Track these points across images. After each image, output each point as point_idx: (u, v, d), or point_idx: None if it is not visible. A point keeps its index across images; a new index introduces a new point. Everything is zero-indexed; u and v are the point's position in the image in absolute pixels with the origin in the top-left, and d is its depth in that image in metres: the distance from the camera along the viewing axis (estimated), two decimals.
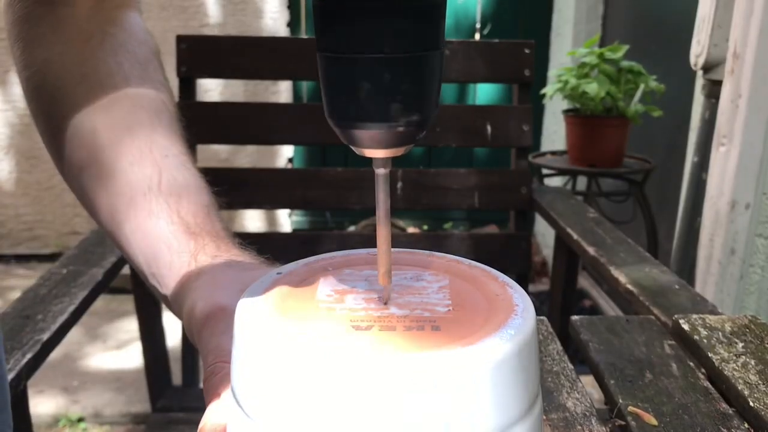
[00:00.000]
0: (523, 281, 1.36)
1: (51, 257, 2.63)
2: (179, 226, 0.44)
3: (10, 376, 0.61)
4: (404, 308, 0.29)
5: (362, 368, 0.24)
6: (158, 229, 0.44)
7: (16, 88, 2.49)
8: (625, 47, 1.67)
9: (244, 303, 0.29)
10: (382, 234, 0.30)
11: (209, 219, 0.46)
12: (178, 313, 0.43)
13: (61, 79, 0.48)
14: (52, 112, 0.48)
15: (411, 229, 2.76)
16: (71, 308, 0.77)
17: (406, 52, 0.26)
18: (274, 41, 1.65)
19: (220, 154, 2.66)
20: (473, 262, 0.34)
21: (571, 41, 2.42)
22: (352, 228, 2.69)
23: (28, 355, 0.65)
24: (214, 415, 0.32)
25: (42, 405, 1.69)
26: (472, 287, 0.32)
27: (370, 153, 0.29)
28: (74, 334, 1.68)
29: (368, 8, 0.26)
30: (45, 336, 0.69)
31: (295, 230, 2.84)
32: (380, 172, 0.29)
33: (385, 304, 0.30)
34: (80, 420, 1.67)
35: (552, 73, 2.20)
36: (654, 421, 0.51)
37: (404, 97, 0.27)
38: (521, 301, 0.30)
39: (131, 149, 0.47)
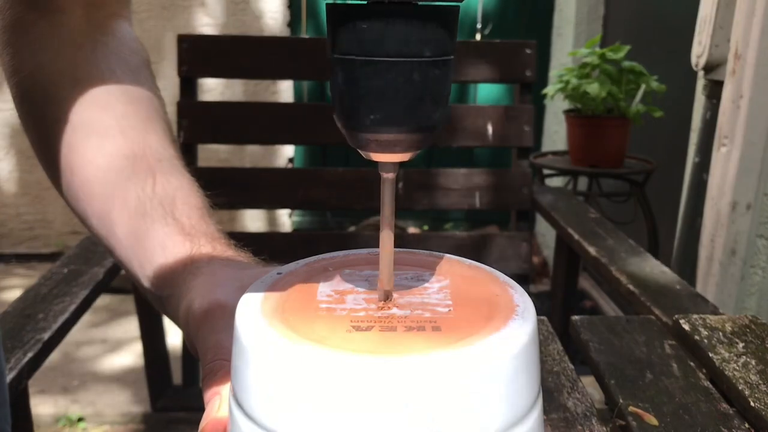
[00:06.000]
0: (523, 281, 1.36)
1: (51, 257, 2.63)
2: (174, 228, 0.44)
3: (11, 375, 0.61)
4: (405, 309, 0.29)
5: (363, 369, 0.24)
6: (153, 231, 0.44)
7: None
8: (627, 47, 1.67)
9: (244, 303, 0.29)
10: (386, 236, 0.30)
11: (204, 220, 0.46)
12: (174, 315, 0.43)
13: (53, 84, 0.48)
14: (43, 116, 0.48)
15: (411, 230, 2.76)
16: (72, 308, 0.77)
17: (419, 57, 0.26)
18: (274, 41, 1.65)
19: (220, 154, 2.66)
20: (474, 263, 0.34)
21: (572, 41, 2.42)
22: (352, 228, 2.69)
23: (29, 355, 0.65)
24: (214, 414, 0.32)
25: (42, 404, 1.69)
26: (473, 287, 0.31)
27: (378, 157, 0.29)
28: (74, 333, 1.68)
29: (383, 12, 0.26)
30: (46, 335, 0.69)
31: (295, 230, 2.84)
32: (387, 176, 0.29)
33: (386, 304, 0.30)
34: (80, 420, 1.67)
35: (553, 73, 2.20)
36: (654, 422, 0.51)
37: (416, 101, 0.27)
38: (522, 301, 0.30)
39: (125, 153, 0.47)
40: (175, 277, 0.42)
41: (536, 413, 0.28)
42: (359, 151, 0.29)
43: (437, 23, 0.27)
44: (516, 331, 0.27)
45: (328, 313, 0.29)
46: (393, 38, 0.26)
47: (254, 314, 0.28)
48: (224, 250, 0.44)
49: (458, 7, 0.27)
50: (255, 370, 0.26)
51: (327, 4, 0.27)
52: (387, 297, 0.30)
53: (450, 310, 0.29)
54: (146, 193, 0.46)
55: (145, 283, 0.45)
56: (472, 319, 0.28)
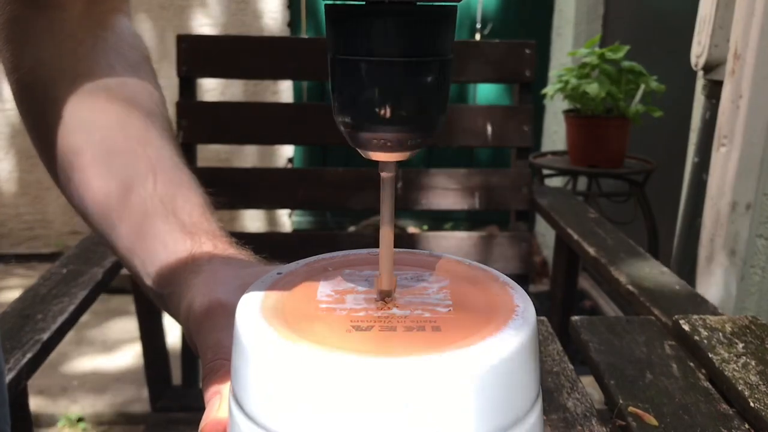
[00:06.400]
0: (523, 282, 1.36)
1: (51, 257, 2.63)
2: (175, 225, 0.44)
3: (10, 375, 0.61)
4: (405, 309, 0.29)
5: (363, 369, 0.24)
6: (154, 228, 0.44)
7: None
8: (626, 47, 1.67)
9: (244, 303, 0.29)
10: (386, 236, 0.30)
11: (205, 218, 0.46)
12: (174, 312, 0.43)
13: (54, 79, 0.48)
14: (43, 112, 0.48)
15: (411, 230, 2.76)
16: (71, 308, 0.77)
17: (418, 57, 0.26)
18: (274, 41, 1.65)
19: (220, 154, 2.66)
20: (474, 263, 0.34)
21: (571, 41, 2.42)
22: (352, 228, 2.69)
23: (28, 355, 0.65)
24: (214, 414, 0.32)
25: (42, 405, 1.69)
26: (473, 288, 0.31)
27: (377, 156, 0.29)
28: (74, 333, 1.67)
29: (381, 13, 0.26)
30: (45, 336, 0.69)
31: (295, 230, 2.84)
32: (386, 175, 0.29)
33: (386, 304, 0.30)
34: (80, 420, 1.67)
35: (553, 73, 2.20)
36: (654, 422, 0.51)
37: (415, 101, 0.27)
38: (522, 301, 0.30)
39: (125, 150, 0.47)
40: (176, 274, 0.42)
41: (536, 413, 0.28)
42: (359, 150, 0.29)
43: (435, 23, 0.27)
44: (516, 332, 0.27)
45: (328, 313, 0.29)
46: (391, 38, 0.26)
47: (254, 314, 0.28)
48: (225, 248, 0.44)
49: (456, 7, 0.27)
50: (255, 369, 0.26)
51: (325, 5, 0.27)
52: (387, 297, 0.30)
53: (450, 311, 0.29)
54: (147, 191, 0.46)
55: (147, 280, 0.45)
56: (472, 319, 0.28)
